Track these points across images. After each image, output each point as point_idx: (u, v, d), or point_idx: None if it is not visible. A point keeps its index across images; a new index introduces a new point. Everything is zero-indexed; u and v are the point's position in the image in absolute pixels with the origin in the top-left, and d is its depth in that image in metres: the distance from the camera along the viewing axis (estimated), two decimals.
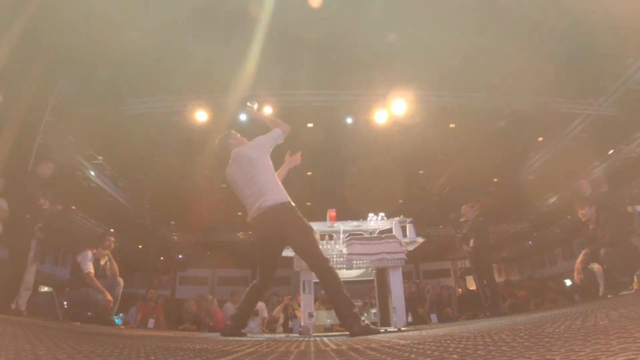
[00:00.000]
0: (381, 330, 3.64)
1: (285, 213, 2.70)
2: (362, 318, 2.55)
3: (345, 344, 1.67)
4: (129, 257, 11.36)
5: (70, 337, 1.78)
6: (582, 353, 0.77)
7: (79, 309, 4.20)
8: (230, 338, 2.64)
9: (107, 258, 4.50)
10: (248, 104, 3.27)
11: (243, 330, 2.98)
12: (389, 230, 4.27)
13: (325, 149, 7.62)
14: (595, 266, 4.08)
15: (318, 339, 2.50)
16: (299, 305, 4.84)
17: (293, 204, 2.77)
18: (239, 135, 3.15)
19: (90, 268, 4.12)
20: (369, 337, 2.26)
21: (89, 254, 4.21)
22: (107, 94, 6.02)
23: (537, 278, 12.38)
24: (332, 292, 2.59)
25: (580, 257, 4.28)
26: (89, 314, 4.15)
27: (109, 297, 4.08)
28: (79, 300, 4.16)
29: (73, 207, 9.33)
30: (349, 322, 2.49)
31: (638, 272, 4.03)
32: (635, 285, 3.99)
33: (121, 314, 6.94)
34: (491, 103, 6.66)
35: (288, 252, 4.04)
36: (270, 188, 2.73)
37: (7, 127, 4.52)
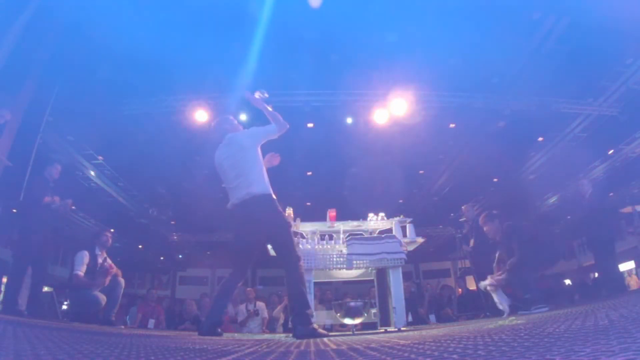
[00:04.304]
0: (381, 330, 3.64)
1: (267, 204, 2.73)
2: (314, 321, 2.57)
3: (345, 344, 1.67)
4: (129, 257, 11.35)
5: (70, 337, 1.78)
6: (582, 353, 0.77)
7: (79, 310, 4.19)
8: (230, 338, 2.64)
9: (104, 255, 4.46)
10: (259, 91, 3.11)
11: (219, 330, 2.77)
12: (389, 230, 4.27)
13: (325, 149, 7.60)
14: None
15: (318, 339, 2.50)
16: None
17: (274, 197, 2.80)
18: (235, 121, 3.20)
19: (79, 270, 4.06)
20: (369, 337, 2.26)
21: (85, 256, 4.17)
22: (107, 94, 6.01)
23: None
24: (294, 289, 2.60)
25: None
26: (90, 314, 4.14)
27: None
28: (79, 301, 4.16)
29: (73, 207, 9.32)
30: (298, 321, 2.52)
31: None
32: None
33: (127, 316, 6.93)
34: (491, 103, 6.65)
35: None
36: (256, 178, 2.76)
37: (7, 127, 4.51)
